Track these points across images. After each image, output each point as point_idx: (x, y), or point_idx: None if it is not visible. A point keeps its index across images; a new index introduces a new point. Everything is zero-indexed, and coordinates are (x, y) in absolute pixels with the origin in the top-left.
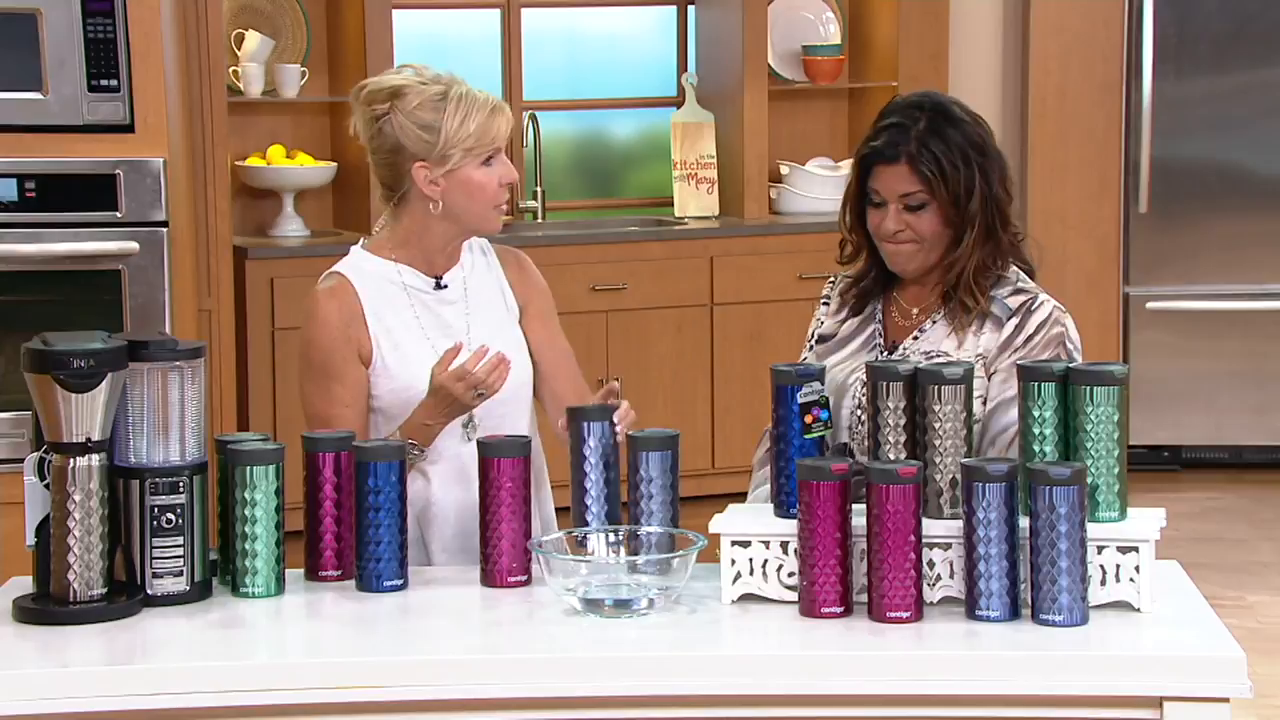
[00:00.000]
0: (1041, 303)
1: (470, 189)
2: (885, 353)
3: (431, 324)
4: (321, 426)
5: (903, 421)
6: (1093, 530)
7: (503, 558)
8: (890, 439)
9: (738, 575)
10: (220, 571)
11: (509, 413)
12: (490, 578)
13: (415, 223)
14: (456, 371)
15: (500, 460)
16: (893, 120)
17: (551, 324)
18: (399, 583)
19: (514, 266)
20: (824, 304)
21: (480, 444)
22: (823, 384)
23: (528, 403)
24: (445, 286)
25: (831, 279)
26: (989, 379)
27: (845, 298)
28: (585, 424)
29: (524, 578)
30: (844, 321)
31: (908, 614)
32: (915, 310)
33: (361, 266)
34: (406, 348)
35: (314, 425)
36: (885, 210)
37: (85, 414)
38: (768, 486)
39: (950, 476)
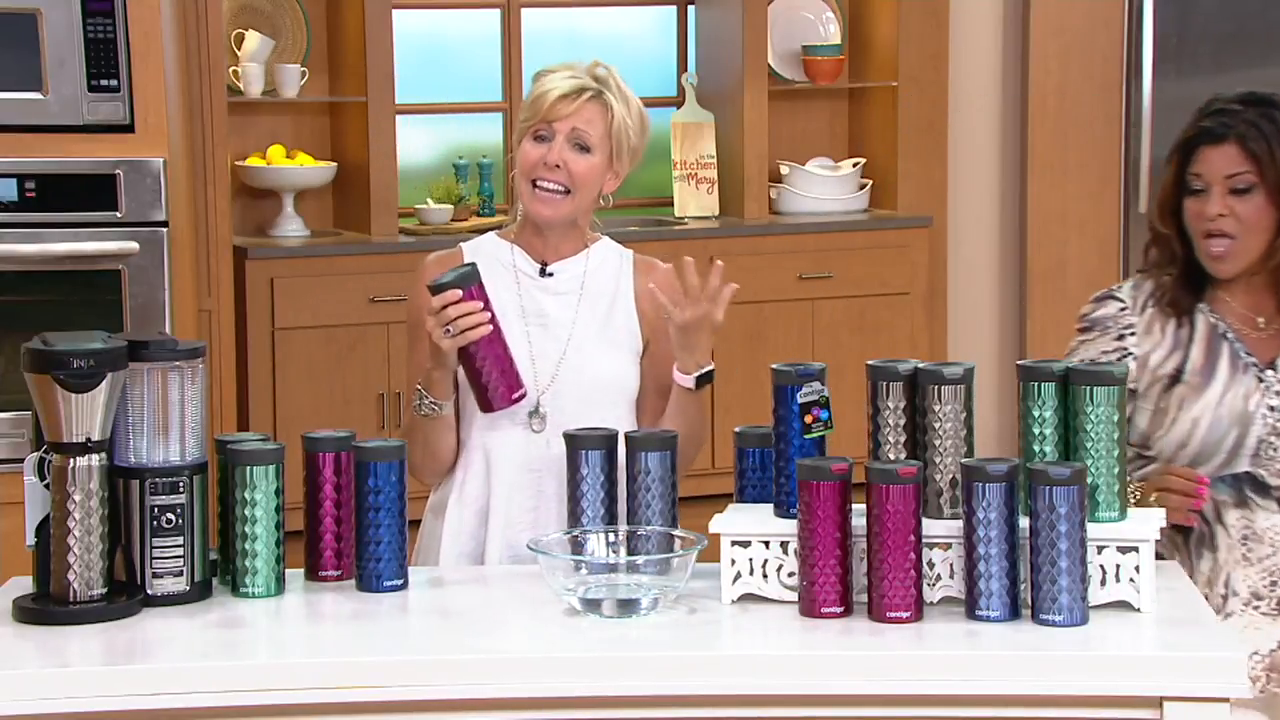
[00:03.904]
0: None
1: (520, 160)
2: (1264, 370)
3: (533, 310)
4: (411, 382)
5: (903, 421)
6: (1093, 530)
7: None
8: (890, 439)
9: (738, 575)
10: (220, 571)
11: (582, 411)
12: None
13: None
14: (429, 306)
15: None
16: (1219, 107)
17: (664, 349)
18: (399, 583)
19: (645, 280)
20: (1130, 333)
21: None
22: (823, 384)
23: (611, 407)
24: (551, 275)
25: (1099, 299)
26: None
27: (1158, 318)
28: (582, 453)
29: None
30: (1182, 354)
31: (908, 614)
32: (1261, 320)
33: (481, 244)
34: (500, 326)
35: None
36: (1207, 196)
37: (85, 414)
38: None
39: (950, 476)
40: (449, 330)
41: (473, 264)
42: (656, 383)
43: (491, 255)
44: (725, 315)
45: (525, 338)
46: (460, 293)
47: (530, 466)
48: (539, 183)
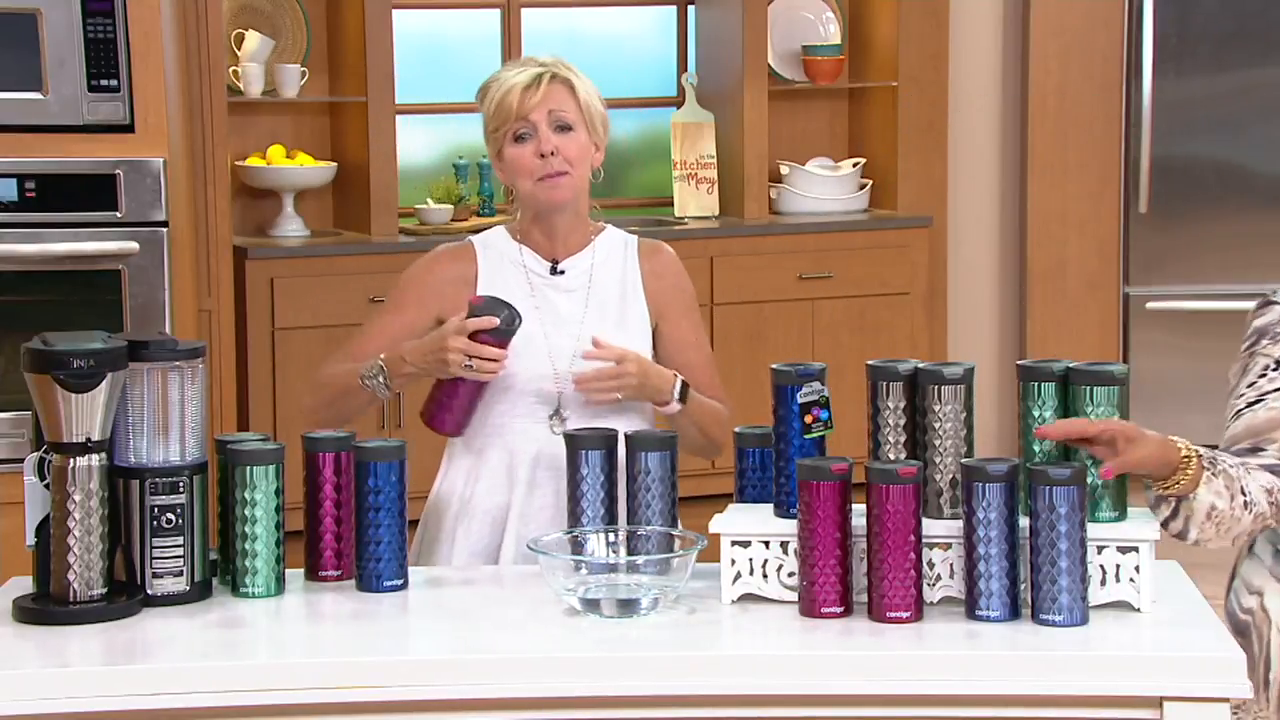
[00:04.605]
0: None
1: (510, 168)
2: None
3: (547, 308)
4: (351, 344)
5: (903, 421)
6: (1093, 530)
7: None
8: (890, 439)
9: (738, 575)
10: (220, 571)
11: (602, 407)
12: None
13: (519, 204)
14: (460, 333)
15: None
16: None
17: (681, 327)
18: (399, 583)
19: (650, 263)
20: None
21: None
22: (823, 384)
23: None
24: (562, 273)
25: (1262, 306)
26: None
27: None
28: (582, 453)
29: None
30: None
31: (908, 614)
32: None
33: (492, 241)
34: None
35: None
36: None
37: (85, 414)
38: None
39: (950, 476)
40: (470, 365)
41: (515, 313)
42: (669, 363)
43: (502, 253)
44: (726, 315)
45: (542, 336)
46: (503, 345)
47: (549, 466)
48: (541, 177)
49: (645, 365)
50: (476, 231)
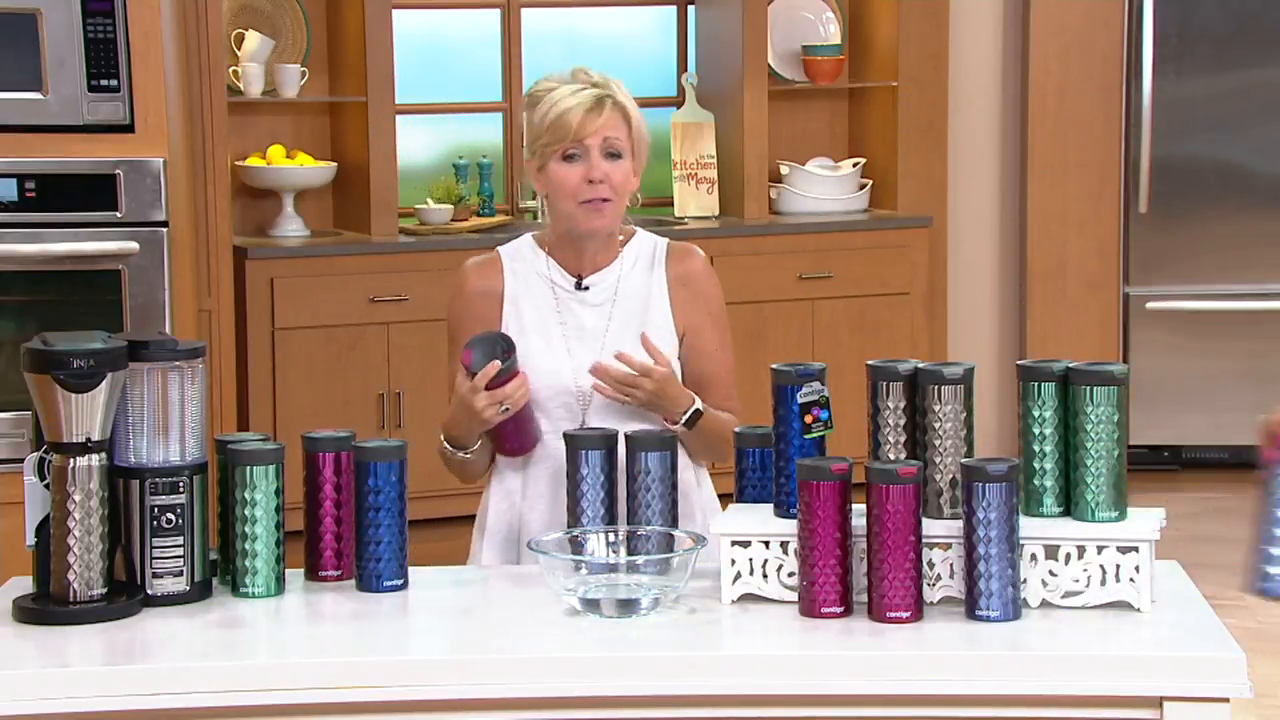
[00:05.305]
0: None
1: (554, 185)
2: None
3: (571, 322)
4: (451, 392)
5: (903, 421)
6: (1093, 530)
7: None
8: (890, 439)
9: (738, 575)
10: (220, 571)
11: (626, 422)
12: None
13: (550, 217)
14: (474, 392)
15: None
16: None
17: (703, 336)
18: (399, 583)
19: (676, 270)
20: None
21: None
22: (823, 384)
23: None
24: (587, 288)
25: None
26: None
27: None
28: (582, 453)
29: None
30: None
31: (908, 614)
32: None
33: (520, 251)
34: (533, 340)
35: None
36: None
37: (85, 414)
38: None
39: (950, 476)
40: (504, 409)
41: (506, 343)
42: (693, 373)
43: (528, 265)
44: (726, 315)
45: (565, 351)
46: (515, 373)
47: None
48: (585, 200)
49: (664, 385)
50: (477, 231)
